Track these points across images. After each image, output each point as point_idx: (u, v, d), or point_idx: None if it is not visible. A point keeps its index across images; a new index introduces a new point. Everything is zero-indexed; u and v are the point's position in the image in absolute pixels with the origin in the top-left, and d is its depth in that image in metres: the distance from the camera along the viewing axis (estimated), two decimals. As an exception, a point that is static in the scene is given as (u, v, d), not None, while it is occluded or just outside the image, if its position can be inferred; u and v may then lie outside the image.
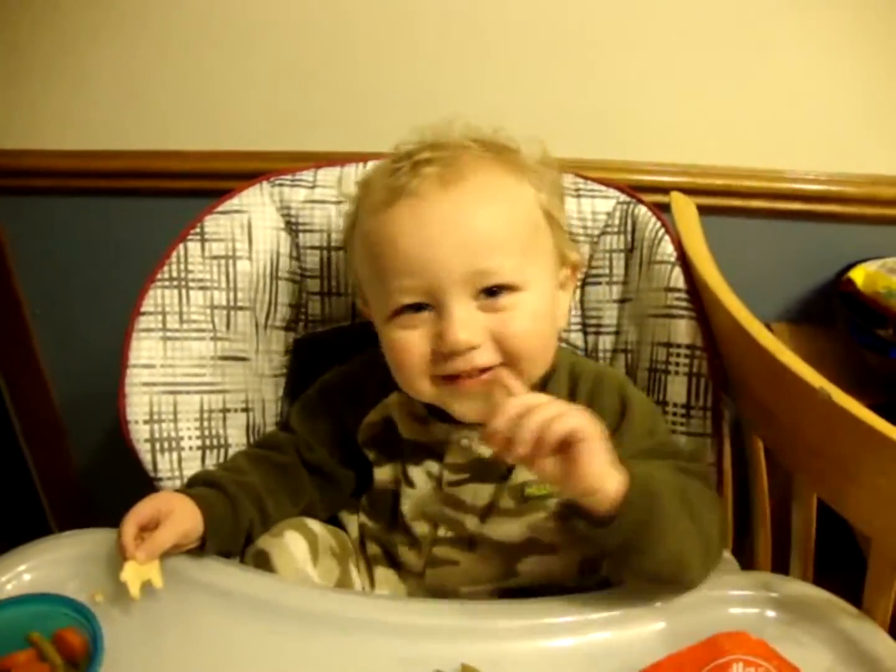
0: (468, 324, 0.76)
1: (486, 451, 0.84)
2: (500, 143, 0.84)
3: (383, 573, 0.88)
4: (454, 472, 0.86)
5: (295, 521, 0.85)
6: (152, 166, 1.30)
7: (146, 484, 1.25)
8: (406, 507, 0.87)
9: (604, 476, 0.67)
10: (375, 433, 0.91)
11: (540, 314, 0.80)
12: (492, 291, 0.77)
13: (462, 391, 0.79)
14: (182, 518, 0.78)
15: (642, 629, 0.74)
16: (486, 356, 0.78)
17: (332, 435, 0.92)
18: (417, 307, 0.78)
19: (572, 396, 0.85)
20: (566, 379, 0.87)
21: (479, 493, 0.85)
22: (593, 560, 0.82)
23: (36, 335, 1.48)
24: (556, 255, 0.85)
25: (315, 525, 0.85)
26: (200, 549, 0.80)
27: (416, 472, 0.88)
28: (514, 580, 0.84)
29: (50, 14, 1.22)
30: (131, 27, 1.22)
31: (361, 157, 1.03)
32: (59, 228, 1.38)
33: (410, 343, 0.79)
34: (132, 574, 0.73)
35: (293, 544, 0.81)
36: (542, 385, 0.85)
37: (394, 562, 0.88)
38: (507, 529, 0.83)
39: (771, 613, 0.76)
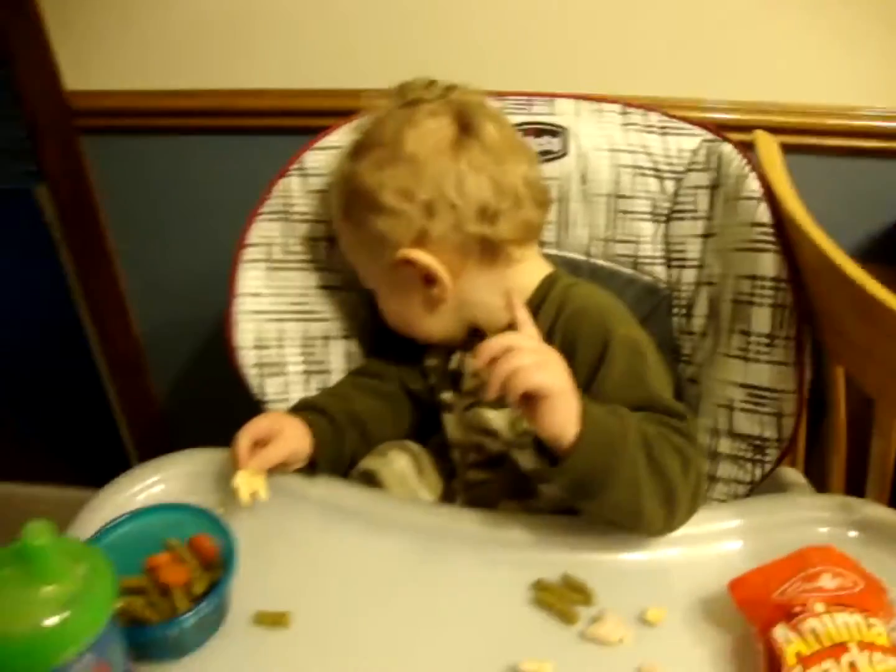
0: None
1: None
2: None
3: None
4: (465, 398, 0.92)
5: (395, 442, 0.91)
6: (235, 104, 1.32)
7: (224, 415, 1.31)
8: (447, 433, 0.93)
9: (564, 426, 0.72)
10: (435, 363, 0.96)
11: (390, 307, 0.93)
12: None
13: None
14: (292, 437, 0.83)
15: (727, 546, 0.80)
16: None
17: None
18: None
19: (552, 330, 0.87)
20: (553, 310, 0.89)
21: (484, 416, 0.90)
22: None
23: (121, 270, 1.53)
24: (390, 250, 0.86)
25: (414, 445, 0.91)
26: (307, 470, 0.86)
27: (451, 399, 0.94)
28: (538, 502, 0.88)
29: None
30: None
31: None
32: (143, 166, 1.42)
33: None
34: (243, 482, 0.79)
35: (398, 461, 0.87)
36: (536, 310, 0.88)
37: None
38: (517, 455, 0.88)
39: (852, 533, 0.80)
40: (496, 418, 0.89)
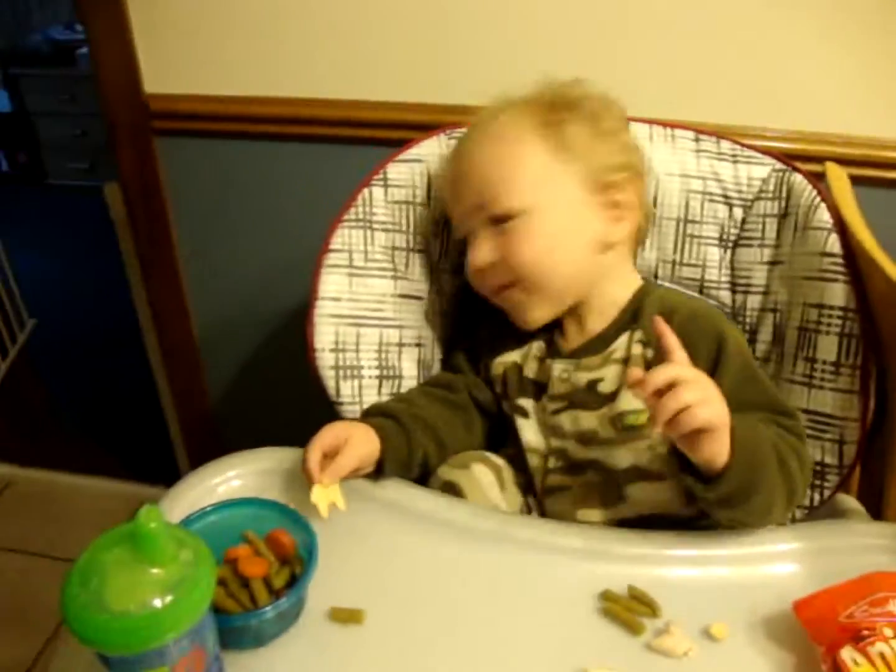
0: (483, 247, 0.91)
1: (582, 380, 0.92)
2: (556, 95, 0.94)
3: (532, 502, 0.95)
4: (554, 402, 0.94)
5: (477, 454, 0.93)
6: (305, 113, 1.35)
7: (276, 419, 1.34)
8: (523, 437, 0.94)
9: (721, 453, 0.75)
10: (503, 371, 0.99)
11: (550, 233, 0.90)
12: (498, 220, 0.90)
13: (506, 301, 0.94)
14: (360, 443, 0.86)
15: (790, 567, 0.81)
16: (499, 275, 0.92)
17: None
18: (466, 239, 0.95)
19: None
20: (656, 312, 0.90)
21: (577, 419, 0.92)
22: None
23: (184, 271, 1.57)
24: (583, 179, 0.91)
25: (496, 458, 0.93)
26: (377, 474, 0.88)
27: (529, 405, 0.96)
28: (624, 506, 0.90)
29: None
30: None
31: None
32: (216, 169, 1.46)
33: (468, 269, 0.95)
34: (320, 496, 0.82)
35: (481, 475, 0.89)
36: (633, 317, 0.93)
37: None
38: (611, 455, 0.90)
39: (910, 562, 0.81)
40: (590, 419, 0.92)
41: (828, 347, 0.93)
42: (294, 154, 1.39)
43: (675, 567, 0.81)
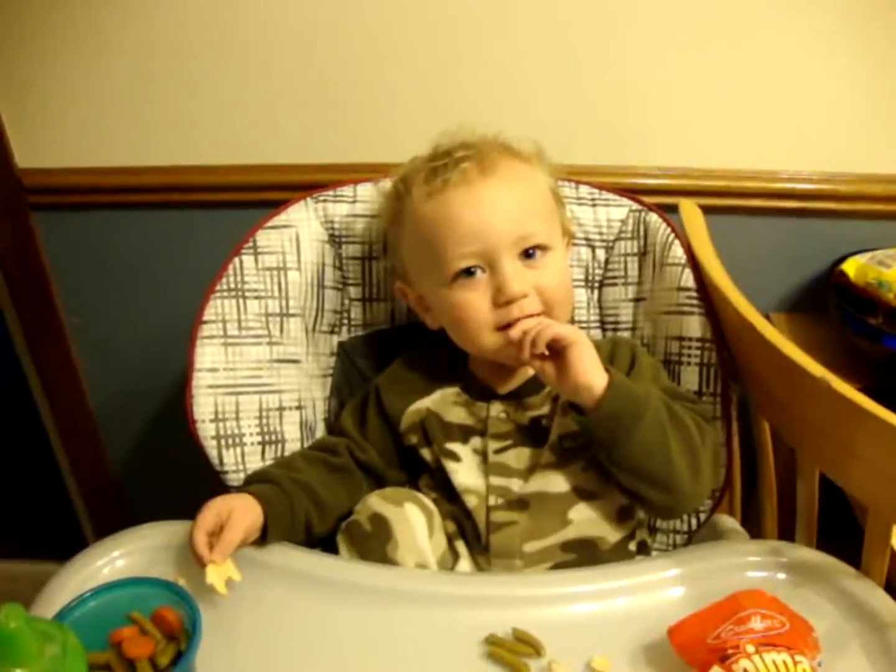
0: (519, 277, 0.92)
1: (525, 418, 0.96)
2: (508, 143, 0.99)
3: (461, 546, 0.96)
4: (498, 441, 0.96)
5: (410, 492, 0.94)
6: (183, 181, 1.37)
7: (178, 484, 1.33)
8: (456, 481, 0.95)
9: (592, 372, 0.85)
10: (419, 420, 1.00)
11: (564, 269, 0.98)
12: (530, 253, 0.93)
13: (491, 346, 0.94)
14: (243, 515, 0.86)
15: (667, 594, 0.84)
16: (533, 304, 0.93)
17: (381, 435, 1.02)
18: (470, 271, 0.93)
19: None
20: None
21: (523, 455, 0.95)
22: (630, 508, 0.95)
23: (73, 343, 1.55)
24: (561, 226, 1.00)
25: (428, 501, 0.94)
26: (262, 540, 0.89)
27: (461, 449, 0.97)
28: (570, 530, 0.93)
29: (81, 36, 1.29)
30: (161, 46, 1.29)
31: (379, 170, 1.13)
32: (95, 241, 1.45)
33: (473, 300, 0.93)
34: (215, 575, 0.82)
35: (413, 516, 0.90)
36: None
37: (464, 535, 0.96)
38: (553, 482, 0.93)
39: (781, 576, 0.85)
40: (536, 453, 0.95)
41: (689, 378, 0.98)
42: (171, 221, 1.40)
43: (557, 605, 0.83)
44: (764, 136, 1.31)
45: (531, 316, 0.92)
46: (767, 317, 1.40)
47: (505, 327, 0.92)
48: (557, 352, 0.87)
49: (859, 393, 0.76)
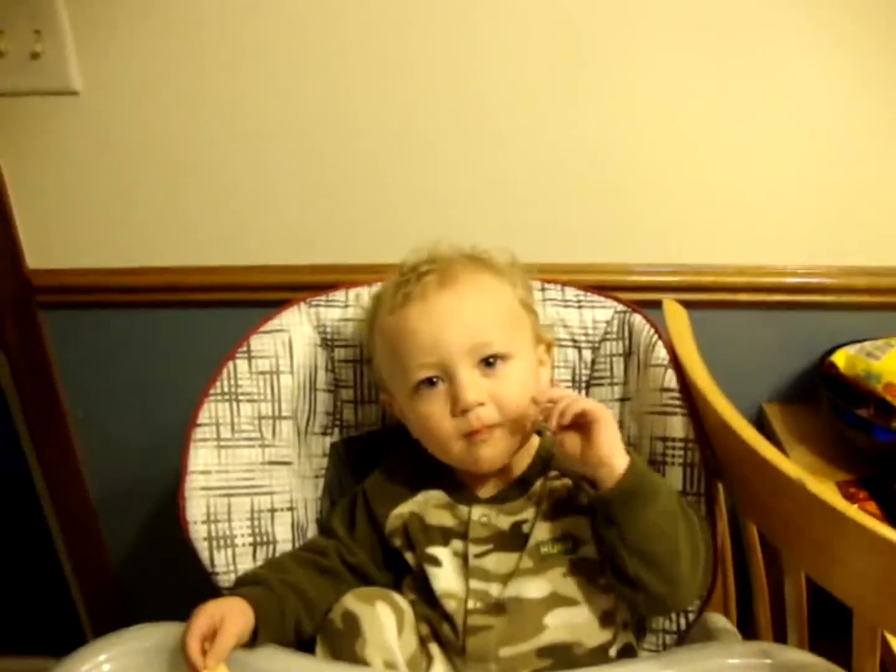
0: (474, 386, 0.94)
1: (505, 523, 0.97)
2: (479, 254, 1.03)
3: (435, 649, 0.96)
4: (478, 545, 0.97)
5: (383, 591, 0.95)
6: (185, 281, 1.41)
7: (180, 579, 1.33)
8: (435, 585, 0.96)
9: (614, 448, 0.88)
10: (402, 523, 1.01)
11: (527, 380, 0.98)
12: (489, 362, 0.95)
13: (478, 442, 0.96)
14: (235, 618, 0.87)
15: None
16: (489, 413, 0.95)
17: (368, 537, 1.03)
18: (432, 381, 0.96)
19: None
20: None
21: (502, 560, 0.96)
22: (612, 613, 0.95)
23: (76, 437, 1.57)
24: (533, 335, 1.02)
25: (401, 600, 0.95)
26: (253, 642, 0.89)
27: (442, 553, 0.98)
28: (546, 635, 0.92)
29: (90, 148, 1.36)
30: (165, 155, 1.35)
31: (377, 270, 1.16)
32: (100, 338, 1.49)
33: (434, 411, 0.96)
34: None
35: (384, 614, 0.90)
36: (544, 460, 1.02)
37: (439, 638, 0.96)
38: (530, 587, 0.93)
39: (771, 678, 0.85)
40: (514, 559, 0.96)
41: (674, 478, 1.00)
42: (174, 320, 1.44)
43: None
44: (749, 231, 1.34)
45: (490, 427, 0.95)
46: (760, 408, 1.42)
47: (468, 435, 0.95)
48: (582, 426, 0.90)
49: (836, 494, 0.77)
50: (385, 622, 0.90)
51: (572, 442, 0.90)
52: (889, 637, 0.93)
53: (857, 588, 0.81)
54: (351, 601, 0.92)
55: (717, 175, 1.31)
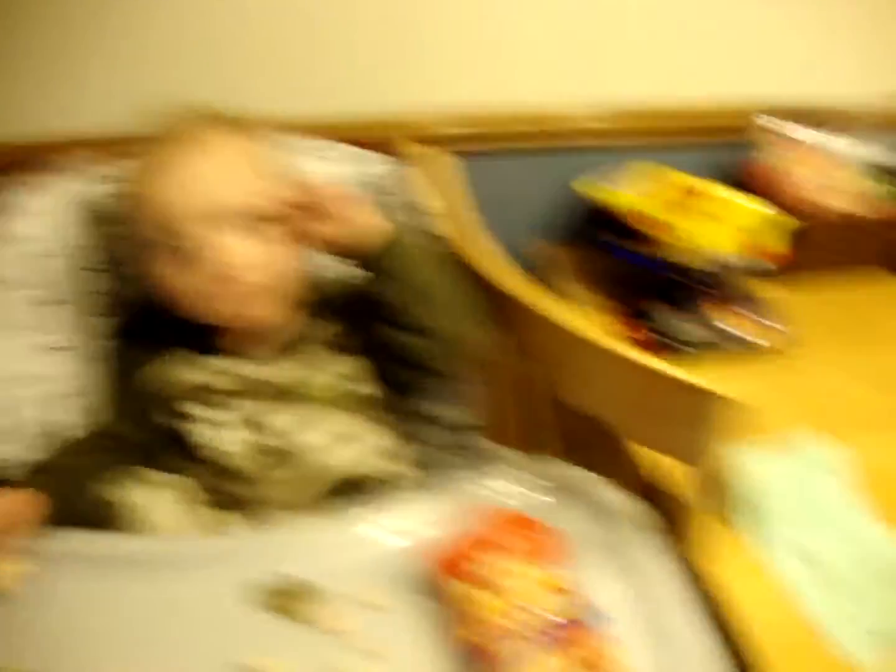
0: (244, 248, 0.95)
1: (278, 376, 1.02)
2: (232, 116, 1.01)
3: (225, 513, 1.00)
4: (254, 400, 1.01)
5: (162, 476, 0.98)
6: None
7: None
8: (216, 445, 0.99)
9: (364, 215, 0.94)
10: (175, 389, 1.02)
11: (282, 236, 0.98)
12: (243, 223, 0.94)
13: (241, 300, 0.97)
14: (25, 511, 0.87)
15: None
16: (247, 273, 0.95)
17: (142, 412, 1.03)
18: (185, 246, 0.94)
19: None
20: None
21: (281, 411, 1.01)
22: (394, 449, 1.04)
23: None
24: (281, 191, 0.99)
25: (186, 480, 0.98)
26: (45, 529, 0.89)
27: (219, 413, 1.01)
28: (331, 474, 1.00)
29: None
30: None
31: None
32: None
33: (194, 273, 0.95)
34: (6, 573, 0.84)
35: (164, 496, 0.94)
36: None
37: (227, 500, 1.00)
38: (311, 432, 1.00)
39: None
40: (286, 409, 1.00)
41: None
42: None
43: (329, 552, 0.88)
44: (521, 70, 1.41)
45: (250, 284, 0.95)
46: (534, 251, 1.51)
47: (232, 295, 0.95)
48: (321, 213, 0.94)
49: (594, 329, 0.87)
50: (169, 506, 0.95)
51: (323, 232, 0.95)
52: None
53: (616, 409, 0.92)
54: (134, 491, 0.95)
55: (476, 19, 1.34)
